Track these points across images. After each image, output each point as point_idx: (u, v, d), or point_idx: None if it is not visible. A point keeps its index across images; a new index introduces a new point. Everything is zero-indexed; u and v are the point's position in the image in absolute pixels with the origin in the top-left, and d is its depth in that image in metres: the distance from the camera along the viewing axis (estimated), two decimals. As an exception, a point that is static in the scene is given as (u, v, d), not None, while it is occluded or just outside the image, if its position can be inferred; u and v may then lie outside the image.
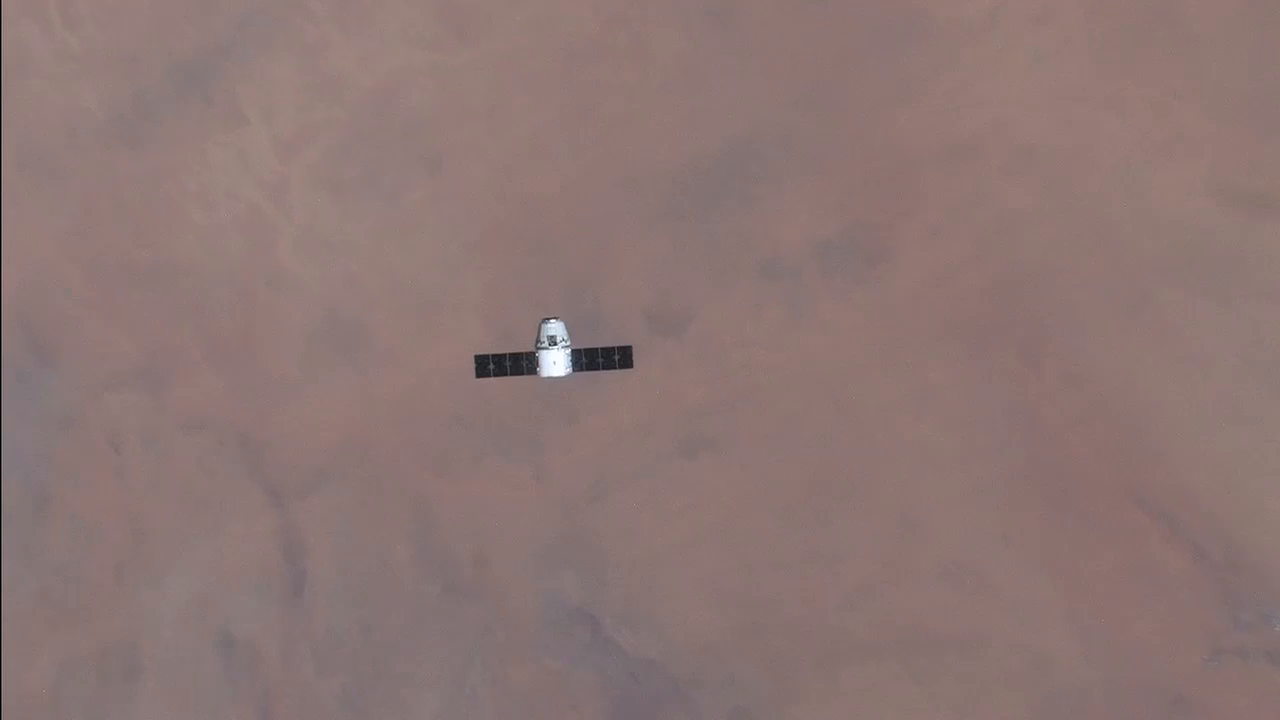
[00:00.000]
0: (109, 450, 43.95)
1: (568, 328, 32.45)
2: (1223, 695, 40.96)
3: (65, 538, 43.49)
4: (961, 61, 42.30)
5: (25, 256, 42.80)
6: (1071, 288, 42.53)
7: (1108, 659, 42.00)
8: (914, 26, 41.84)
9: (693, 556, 43.30)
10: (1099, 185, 42.27)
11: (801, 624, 43.03)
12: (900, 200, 42.82)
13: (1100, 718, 41.40)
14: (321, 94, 43.66)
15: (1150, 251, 41.91)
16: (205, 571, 44.01)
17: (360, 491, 43.91)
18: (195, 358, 44.14)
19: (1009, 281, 42.82)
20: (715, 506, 43.30)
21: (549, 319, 32.58)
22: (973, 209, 42.78)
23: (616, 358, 32.26)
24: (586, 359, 32.13)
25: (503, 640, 43.58)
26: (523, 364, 31.83)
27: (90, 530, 43.60)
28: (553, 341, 32.32)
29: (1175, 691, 41.39)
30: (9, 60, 42.76)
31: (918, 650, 42.70)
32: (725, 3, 41.98)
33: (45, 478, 43.18)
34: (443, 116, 43.36)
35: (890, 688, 42.44)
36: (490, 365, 31.63)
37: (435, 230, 43.65)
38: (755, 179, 43.02)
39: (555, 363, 32.14)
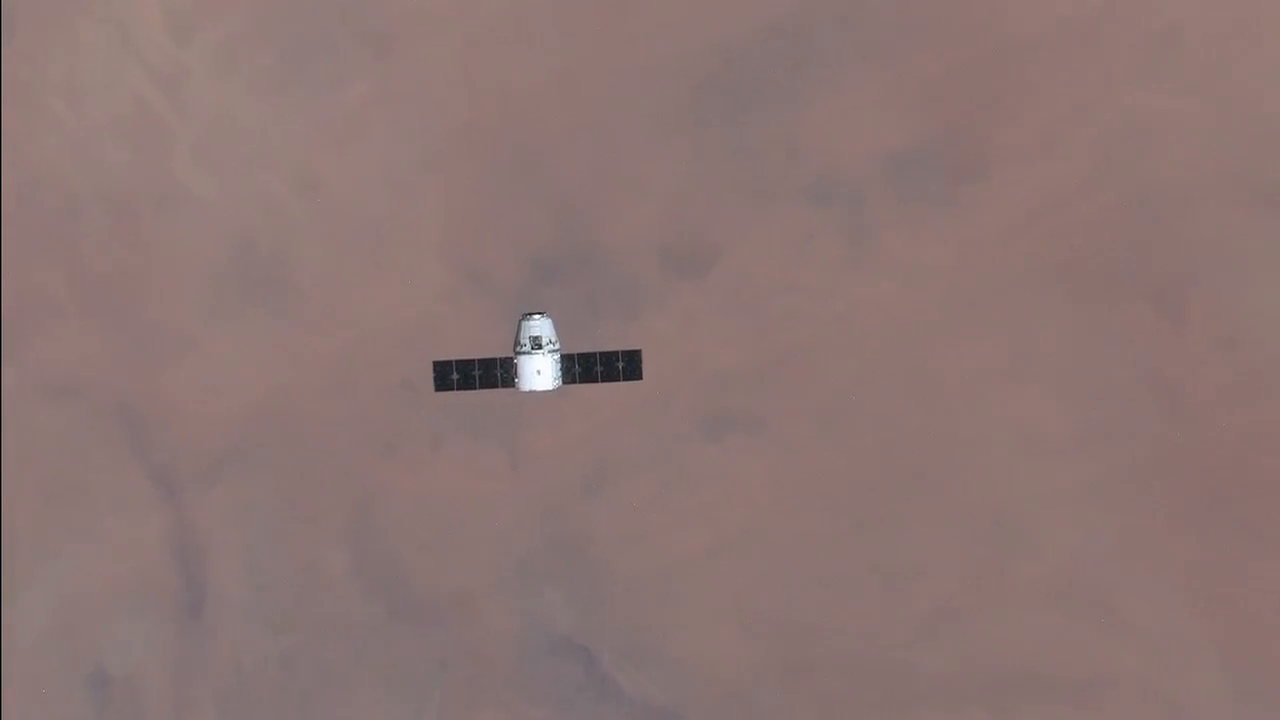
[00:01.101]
0: (-49, 425, 42.77)
1: (556, 326, 31.23)
2: None
3: (-108, 539, 43.06)
4: (1082, -88, 40.72)
5: None
6: (1223, 217, 40.76)
7: (1269, 709, 40.54)
8: None
9: (717, 571, 42.18)
10: (1260, 80, 40.52)
11: (860, 660, 41.75)
12: (997, 99, 41.37)
13: (1257, 784, 40.59)
14: (231, -49, 42.04)
15: (1328, 169, 40.34)
16: (73, 586, 43.24)
17: (280, 481, 43.16)
18: (62, 303, 43.34)
19: (1141, 208, 41.04)
20: (746, 505, 42.21)
21: (531, 315, 31.10)
22: (1094, 111, 41.08)
23: (620, 365, 30.94)
24: (581, 367, 30.96)
25: (468, 680, 42.84)
26: (496, 373, 30.85)
27: (-76, 530, 43.08)
28: (536, 344, 30.98)
29: (1355, 750, 39.85)
30: None
31: (1015, 696, 41.28)
32: None
33: None
34: (393, -16, 42.41)
35: (977, 745, 41.16)
36: (454, 375, 30.82)
37: (382, 137, 42.76)
38: (803, 70, 41.81)
39: (540, 372, 30.85)
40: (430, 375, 30.87)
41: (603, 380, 30.89)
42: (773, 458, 42.18)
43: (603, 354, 30.97)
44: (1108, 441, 41.15)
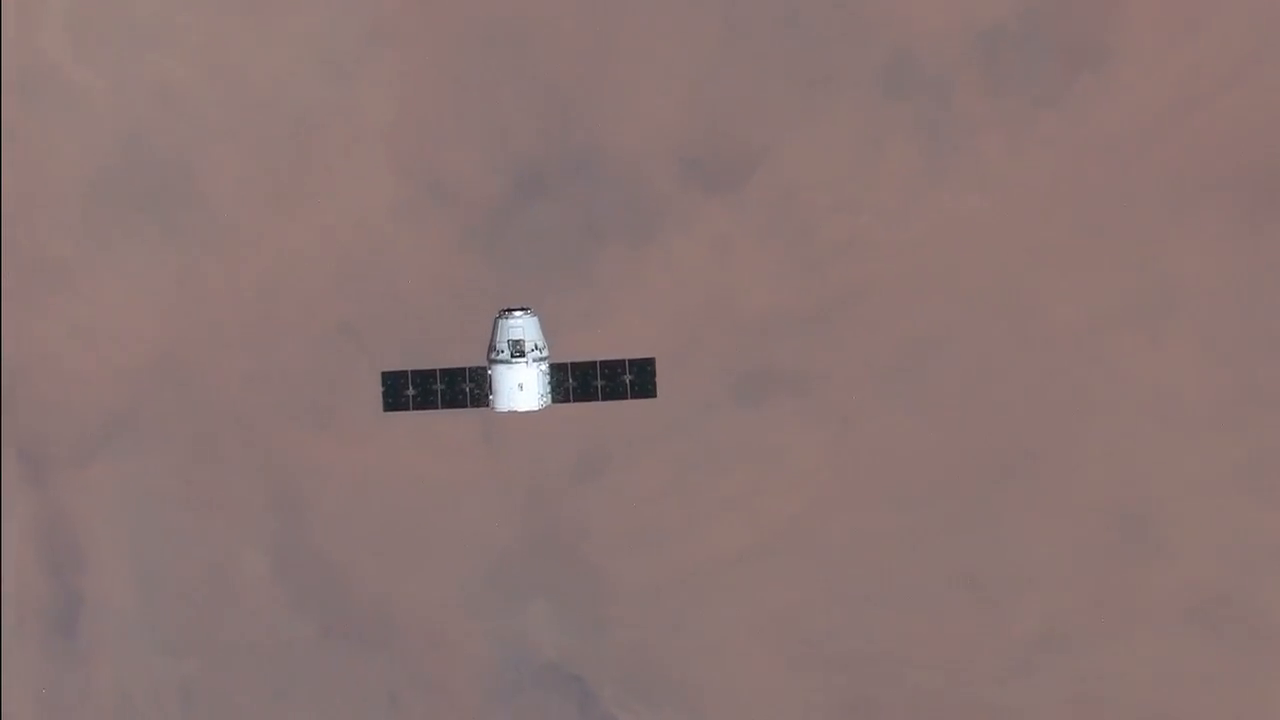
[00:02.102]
0: None
1: (542, 325, 28.50)
2: None
3: None
4: None
5: None
6: None
7: None
8: None
9: (752, 580, 40.53)
10: None
11: (943, 699, 39.98)
12: (1125, -42, 38.75)
13: None
14: None
15: None
16: (-88, 592, 40.67)
17: (180, 457, 41.42)
18: (-103, 225, 41.38)
19: (1313, 100, 38.72)
20: (792, 492, 40.45)
21: (511, 311, 28.39)
22: (1251, -31, 38.60)
23: (628, 380, 28.43)
24: (576, 381, 28.50)
25: (426, 718, 41.64)
26: (465, 387, 28.12)
27: None
28: (518, 351, 28.11)
29: None
30: None
31: (1146, 747, 37.89)
32: None
33: None
34: None
35: (1092, 810, 41.66)
36: (409, 391, 28.32)
37: (313, 1, 41.25)
38: (872, -84, 39.18)
39: (522, 387, 27.95)
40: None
41: (604, 398, 27.96)
42: (828, 430, 40.71)
43: (604, 364, 28.32)
44: (1265, 411, 39.55)
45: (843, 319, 40.72)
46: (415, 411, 39.33)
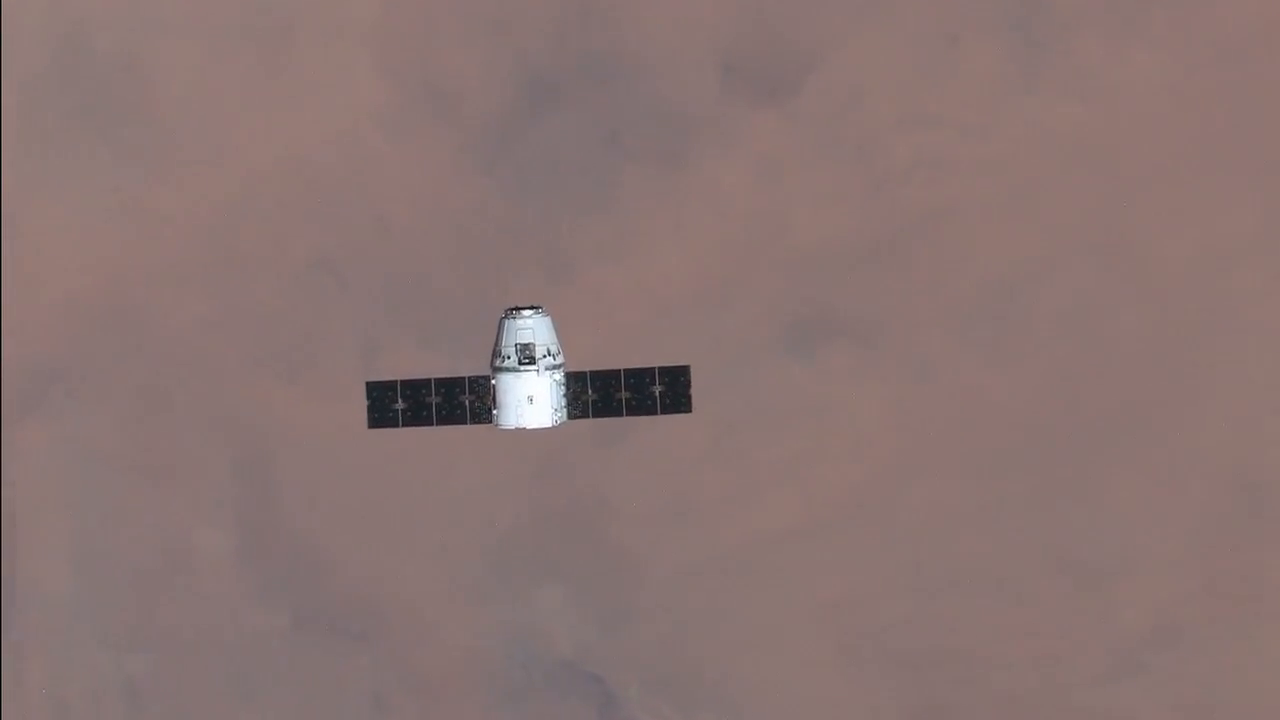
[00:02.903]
0: None
1: (556, 326, 24.60)
2: None
3: None
4: None
5: None
6: None
7: None
8: None
9: (804, 563, 37.77)
10: None
11: (1031, 705, 37.14)
12: None
13: None
14: None
15: None
16: None
17: (126, 414, 38.62)
18: None
19: None
20: (850, 459, 37.89)
21: (519, 310, 24.59)
22: None
23: (658, 392, 24.19)
24: (597, 393, 24.60)
25: None
26: (464, 400, 24.15)
27: None
28: (527, 357, 24.24)
29: None
30: None
31: (1263, 764, 39.29)
32: None
33: None
34: None
35: (1198, 835, 41.44)
36: (398, 404, 24.41)
37: None
38: None
39: (532, 399, 24.01)
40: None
41: (629, 413, 24.99)
42: (895, 385, 38.12)
43: (630, 373, 24.83)
44: None
45: (913, 253, 38.28)
46: (408, 360, 35.58)
